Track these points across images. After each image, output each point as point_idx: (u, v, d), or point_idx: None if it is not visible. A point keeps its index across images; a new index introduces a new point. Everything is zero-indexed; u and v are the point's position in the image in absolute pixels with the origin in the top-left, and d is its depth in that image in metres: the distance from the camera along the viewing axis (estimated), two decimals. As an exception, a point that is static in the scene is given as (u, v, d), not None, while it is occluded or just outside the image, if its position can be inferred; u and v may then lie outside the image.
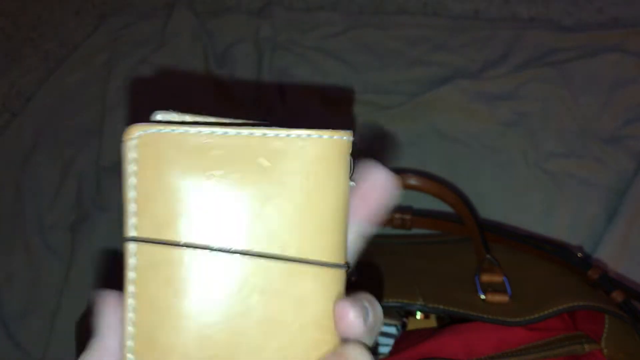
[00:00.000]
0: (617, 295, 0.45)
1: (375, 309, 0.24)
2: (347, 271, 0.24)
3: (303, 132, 0.23)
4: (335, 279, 0.23)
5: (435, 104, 0.72)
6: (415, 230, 0.60)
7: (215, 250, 0.22)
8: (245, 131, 0.23)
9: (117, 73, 0.80)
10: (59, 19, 0.88)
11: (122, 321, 0.23)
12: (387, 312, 0.49)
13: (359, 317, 0.23)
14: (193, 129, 0.23)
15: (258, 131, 0.23)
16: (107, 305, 0.24)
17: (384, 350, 0.48)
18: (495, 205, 0.65)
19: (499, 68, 0.73)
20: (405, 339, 0.48)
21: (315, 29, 0.81)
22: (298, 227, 0.23)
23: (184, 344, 0.22)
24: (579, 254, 0.52)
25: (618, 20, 0.74)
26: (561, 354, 0.42)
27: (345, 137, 0.23)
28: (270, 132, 0.23)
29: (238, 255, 0.22)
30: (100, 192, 0.72)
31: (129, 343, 0.23)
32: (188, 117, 0.25)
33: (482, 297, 0.45)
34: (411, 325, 0.51)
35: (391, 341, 0.48)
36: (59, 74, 0.82)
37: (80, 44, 0.85)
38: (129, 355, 0.23)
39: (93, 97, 0.80)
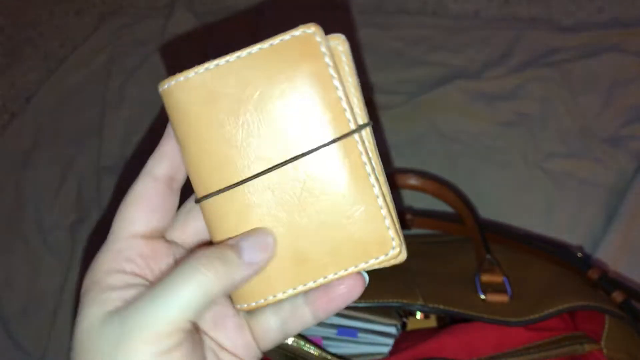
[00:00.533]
0: (617, 296, 0.45)
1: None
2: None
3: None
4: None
5: (435, 104, 0.72)
6: (415, 230, 0.60)
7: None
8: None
9: (117, 73, 0.80)
10: (59, 19, 0.88)
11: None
12: (387, 312, 0.49)
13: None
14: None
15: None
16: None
17: (383, 350, 0.48)
18: (495, 205, 0.65)
19: (499, 68, 0.73)
20: (405, 339, 0.48)
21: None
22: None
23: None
24: (579, 254, 0.52)
25: (618, 20, 0.74)
26: (561, 354, 0.42)
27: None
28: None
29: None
30: (100, 192, 0.72)
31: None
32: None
33: (482, 297, 0.45)
34: (411, 325, 0.51)
35: (391, 341, 0.48)
36: (59, 74, 0.82)
37: (80, 44, 0.85)
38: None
39: (93, 97, 0.80)
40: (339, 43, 0.27)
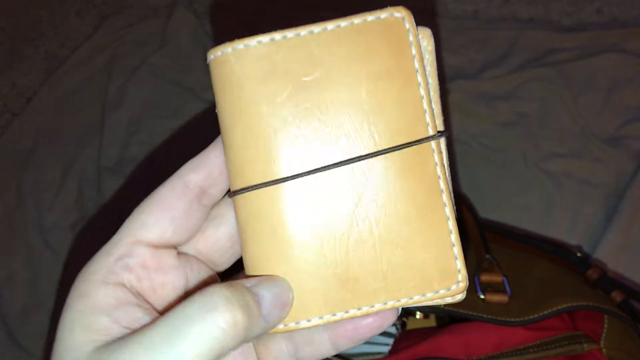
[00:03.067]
0: (617, 295, 0.45)
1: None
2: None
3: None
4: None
5: (435, 104, 0.72)
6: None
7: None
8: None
9: (117, 73, 0.80)
10: (60, 19, 0.88)
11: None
12: (387, 311, 0.48)
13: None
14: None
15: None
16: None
17: (383, 350, 0.48)
18: (495, 205, 0.65)
19: (499, 68, 0.73)
20: (405, 339, 0.48)
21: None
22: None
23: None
24: (578, 254, 0.52)
25: (618, 20, 0.74)
26: (560, 353, 0.42)
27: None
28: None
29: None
30: (100, 192, 0.73)
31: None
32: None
33: (482, 297, 0.45)
34: (411, 325, 0.51)
35: (391, 341, 0.48)
36: (59, 74, 0.82)
37: (80, 44, 0.85)
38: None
39: (93, 97, 0.80)
40: (425, 38, 0.24)
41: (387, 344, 0.48)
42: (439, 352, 0.43)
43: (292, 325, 0.22)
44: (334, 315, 0.22)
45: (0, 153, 0.78)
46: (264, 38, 0.23)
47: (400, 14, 0.23)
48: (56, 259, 0.70)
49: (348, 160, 0.22)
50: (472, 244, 0.52)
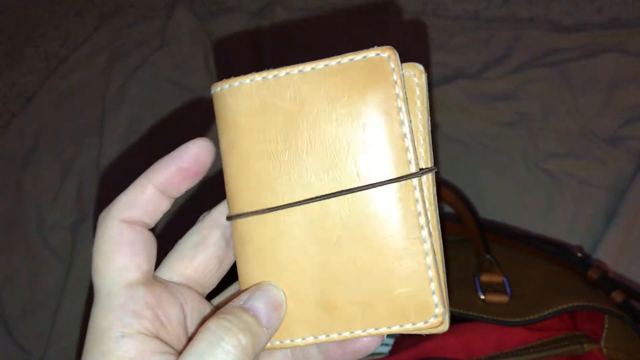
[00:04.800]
0: (617, 296, 0.45)
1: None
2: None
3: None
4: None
5: (435, 104, 0.72)
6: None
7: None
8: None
9: (117, 73, 0.80)
10: (60, 19, 0.88)
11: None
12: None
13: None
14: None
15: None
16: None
17: (384, 350, 0.48)
18: (495, 205, 0.65)
19: (499, 68, 0.73)
20: (405, 339, 0.48)
21: (315, 28, 0.81)
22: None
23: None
24: (579, 254, 0.52)
25: (618, 20, 0.74)
26: (561, 354, 0.42)
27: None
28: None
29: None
30: (100, 192, 0.73)
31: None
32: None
33: (482, 297, 0.45)
34: (411, 325, 0.51)
35: (391, 341, 0.48)
36: (59, 74, 0.82)
37: (80, 44, 0.85)
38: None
39: (93, 97, 0.80)
40: (416, 74, 0.25)
41: (387, 344, 0.48)
42: (439, 352, 0.43)
43: (277, 343, 0.24)
44: (315, 337, 0.24)
45: (0, 153, 0.78)
46: (257, 77, 0.24)
47: (385, 54, 0.24)
48: (56, 259, 0.70)
49: (332, 194, 0.23)
50: (472, 244, 0.52)
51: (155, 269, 0.25)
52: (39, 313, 0.67)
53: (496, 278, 0.46)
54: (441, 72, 0.75)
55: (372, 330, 0.23)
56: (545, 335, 0.43)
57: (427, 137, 0.25)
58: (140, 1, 0.88)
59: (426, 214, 0.23)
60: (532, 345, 0.42)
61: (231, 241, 0.26)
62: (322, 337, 0.24)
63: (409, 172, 0.23)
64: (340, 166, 0.24)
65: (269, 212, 0.24)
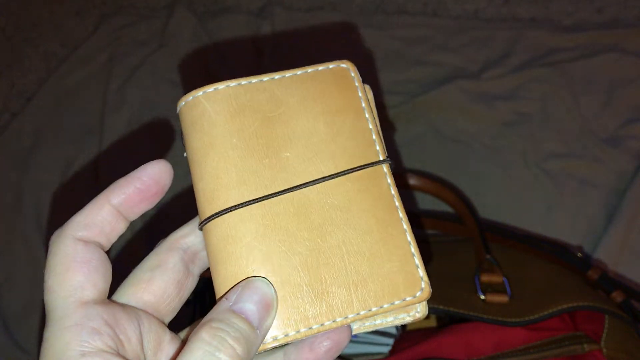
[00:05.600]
0: (617, 296, 0.45)
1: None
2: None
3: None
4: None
5: (435, 104, 0.72)
6: (415, 230, 0.60)
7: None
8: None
9: (117, 73, 0.80)
10: (59, 19, 0.88)
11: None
12: (387, 312, 0.48)
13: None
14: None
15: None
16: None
17: (384, 350, 0.48)
18: (495, 205, 0.65)
19: (499, 68, 0.73)
20: (405, 339, 0.48)
21: (315, 29, 0.81)
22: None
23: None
24: (579, 254, 0.52)
25: (618, 20, 0.74)
26: (561, 354, 0.42)
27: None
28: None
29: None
30: (100, 192, 0.72)
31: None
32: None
33: (482, 297, 0.45)
34: (411, 326, 0.51)
35: (391, 341, 0.48)
36: (59, 74, 0.82)
37: (80, 44, 0.85)
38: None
39: (93, 97, 0.80)
40: (366, 89, 0.28)
41: (387, 345, 0.48)
42: (439, 352, 0.43)
43: (269, 340, 0.23)
44: (309, 328, 0.23)
45: (0, 153, 0.78)
46: (232, 82, 0.26)
47: (345, 65, 0.27)
48: (56, 259, 0.70)
49: (313, 181, 0.25)
50: (472, 244, 0.52)
51: (111, 295, 0.24)
52: (39, 313, 0.67)
53: (496, 278, 0.46)
54: (441, 72, 0.75)
55: (365, 312, 0.24)
56: (545, 335, 0.43)
57: (380, 137, 0.27)
58: (140, 1, 0.88)
59: (399, 197, 0.25)
60: (532, 345, 0.42)
61: (206, 248, 0.25)
62: (316, 327, 0.23)
63: (379, 159, 0.26)
64: (318, 157, 0.25)
65: (253, 203, 0.24)
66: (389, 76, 0.76)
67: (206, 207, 0.25)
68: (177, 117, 0.27)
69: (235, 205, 0.24)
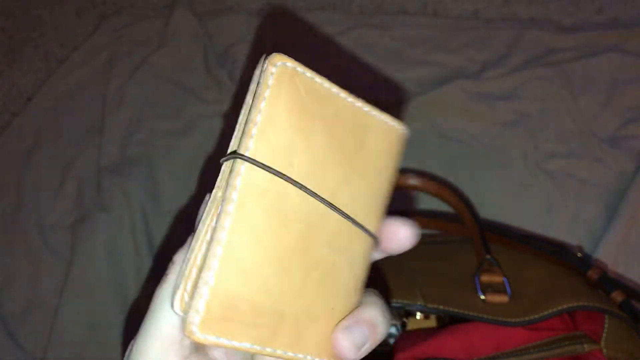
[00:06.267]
0: (617, 296, 0.45)
1: (376, 326, 0.25)
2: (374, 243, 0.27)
3: (386, 116, 0.27)
4: (370, 248, 0.26)
5: (435, 104, 0.72)
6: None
7: (319, 198, 0.24)
8: (357, 101, 0.25)
9: (117, 73, 0.80)
10: (59, 19, 0.88)
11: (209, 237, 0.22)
12: (387, 312, 0.48)
13: (351, 348, 0.24)
14: (326, 82, 0.25)
15: (362, 103, 0.26)
16: None
17: (383, 350, 0.48)
18: (495, 205, 0.65)
19: (499, 68, 0.73)
20: (405, 339, 0.48)
21: (315, 29, 0.81)
22: (366, 197, 0.26)
23: (266, 275, 0.22)
24: (579, 254, 0.52)
25: (618, 20, 0.74)
26: (561, 354, 0.42)
27: (406, 131, 0.28)
28: (368, 107, 0.26)
29: (329, 207, 0.24)
30: (100, 192, 0.72)
31: (214, 263, 0.22)
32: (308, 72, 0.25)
33: (482, 297, 0.45)
34: (411, 326, 0.51)
35: (391, 341, 0.48)
36: (59, 74, 0.82)
37: (80, 44, 0.85)
38: (208, 274, 0.21)
39: (93, 97, 0.80)
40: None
41: (387, 345, 0.48)
42: (439, 352, 0.43)
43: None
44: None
45: (0, 153, 0.78)
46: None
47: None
48: (56, 259, 0.70)
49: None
50: (472, 244, 0.52)
51: None
52: (39, 313, 0.67)
53: (496, 278, 0.46)
54: (441, 72, 0.75)
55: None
56: (545, 335, 0.43)
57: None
58: (140, 1, 0.88)
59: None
60: (532, 346, 0.42)
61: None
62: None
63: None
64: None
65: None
66: (389, 76, 0.76)
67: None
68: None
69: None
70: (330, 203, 0.24)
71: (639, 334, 0.42)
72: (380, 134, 0.26)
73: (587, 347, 0.42)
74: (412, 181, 0.57)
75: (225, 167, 0.23)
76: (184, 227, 0.69)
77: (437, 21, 0.79)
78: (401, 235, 0.26)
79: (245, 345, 0.22)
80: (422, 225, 0.60)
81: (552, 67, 0.71)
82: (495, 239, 0.54)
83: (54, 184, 0.74)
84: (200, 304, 0.21)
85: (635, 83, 0.69)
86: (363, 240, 0.25)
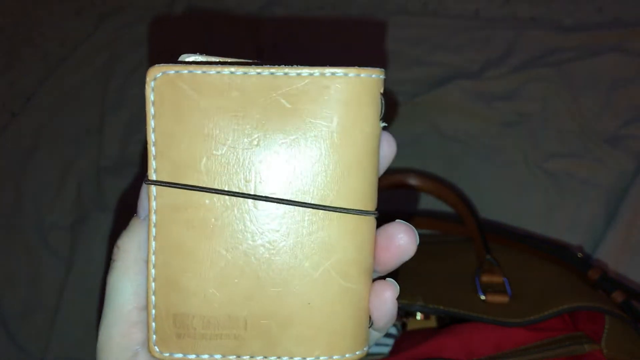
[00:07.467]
0: (618, 296, 0.45)
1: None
2: (375, 218, 0.23)
3: (327, 70, 0.22)
4: (363, 226, 0.23)
5: (435, 104, 0.72)
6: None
7: (236, 195, 0.22)
8: (266, 71, 0.22)
9: (117, 73, 0.80)
10: (59, 19, 0.88)
11: (146, 263, 0.23)
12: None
13: (393, 304, 0.24)
14: (212, 70, 0.22)
15: (279, 70, 0.22)
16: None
17: (383, 350, 0.48)
18: (495, 205, 0.65)
19: (499, 68, 0.73)
20: (405, 339, 0.48)
21: (315, 29, 0.81)
22: (322, 172, 0.22)
23: (204, 287, 0.22)
24: (579, 254, 0.52)
25: (618, 20, 0.74)
26: (561, 354, 0.42)
27: (374, 75, 0.22)
28: (292, 70, 0.22)
29: (261, 200, 0.22)
30: (100, 192, 0.72)
31: (152, 284, 0.23)
32: (214, 59, 0.24)
33: (482, 297, 0.45)
34: (411, 326, 0.51)
35: (391, 341, 0.48)
36: (59, 74, 0.82)
37: (80, 44, 0.85)
38: (152, 297, 0.23)
39: (93, 97, 0.80)
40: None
41: (387, 345, 0.48)
42: (439, 352, 0.43)
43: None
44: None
45: (0, 153, 0.78)
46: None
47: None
48: (56, 259, 0.70)
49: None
50: (472, 244, 0.52)
51: None
52: (39, 313, 0.67)
53: (496, 278, 0.46)
54: (441, 72, 0.75)
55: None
56: (545, 336, 0.43)
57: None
58: (140, 1, 0.88)
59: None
60: (533, 346, 0.42)
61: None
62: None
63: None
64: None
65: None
66: (389, 76, 0.76)
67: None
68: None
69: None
70: (257, 195, 0.22)
71: (639, 334, 0.42)
72: (326, 92, 0.22)
73: (587, 347, 0.42)
74: (412, 181, 0.57)
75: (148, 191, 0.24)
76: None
77: (437, 21, 0.79)
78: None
79: (216, 357, 0.22)
80: (422, 226, 0.60)
81: (552, 67, 0.71)
82: (496, 239, 0.53)
83: (54, 184, 0.74)
84: (153, 325, 0.22)
85: (635, 83, 0.69)
86: (335, 220, 0.22)
